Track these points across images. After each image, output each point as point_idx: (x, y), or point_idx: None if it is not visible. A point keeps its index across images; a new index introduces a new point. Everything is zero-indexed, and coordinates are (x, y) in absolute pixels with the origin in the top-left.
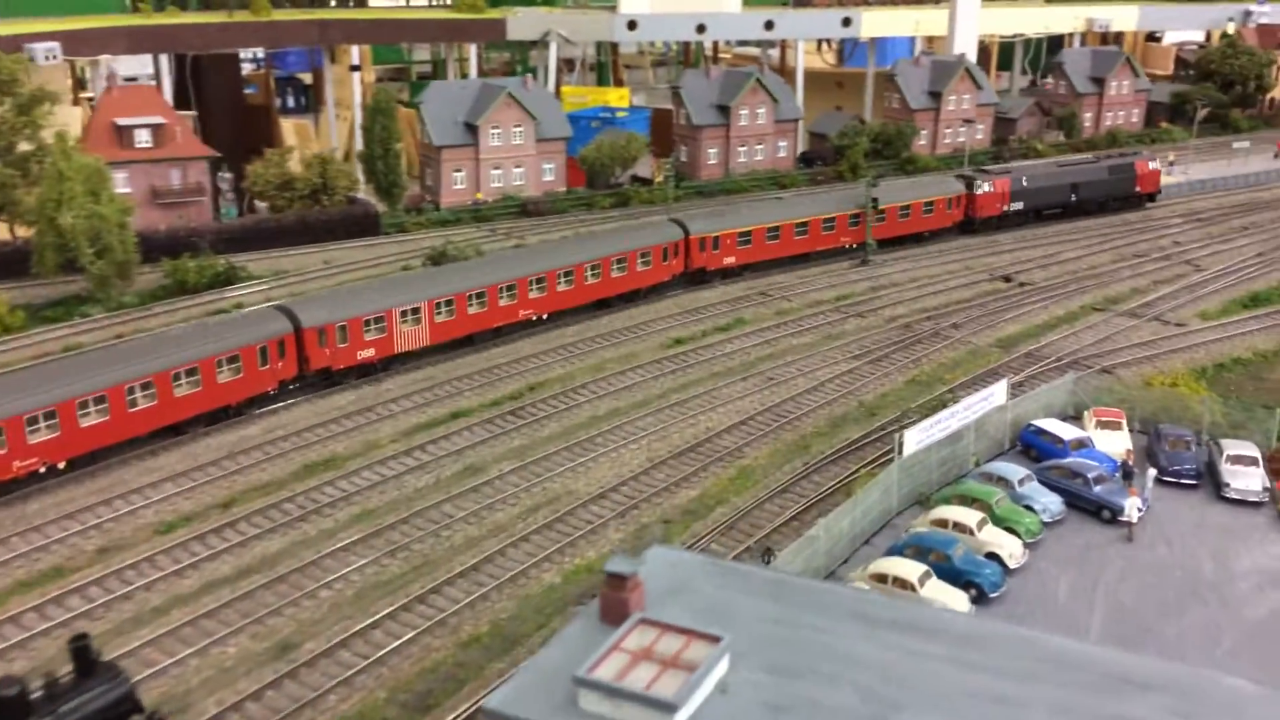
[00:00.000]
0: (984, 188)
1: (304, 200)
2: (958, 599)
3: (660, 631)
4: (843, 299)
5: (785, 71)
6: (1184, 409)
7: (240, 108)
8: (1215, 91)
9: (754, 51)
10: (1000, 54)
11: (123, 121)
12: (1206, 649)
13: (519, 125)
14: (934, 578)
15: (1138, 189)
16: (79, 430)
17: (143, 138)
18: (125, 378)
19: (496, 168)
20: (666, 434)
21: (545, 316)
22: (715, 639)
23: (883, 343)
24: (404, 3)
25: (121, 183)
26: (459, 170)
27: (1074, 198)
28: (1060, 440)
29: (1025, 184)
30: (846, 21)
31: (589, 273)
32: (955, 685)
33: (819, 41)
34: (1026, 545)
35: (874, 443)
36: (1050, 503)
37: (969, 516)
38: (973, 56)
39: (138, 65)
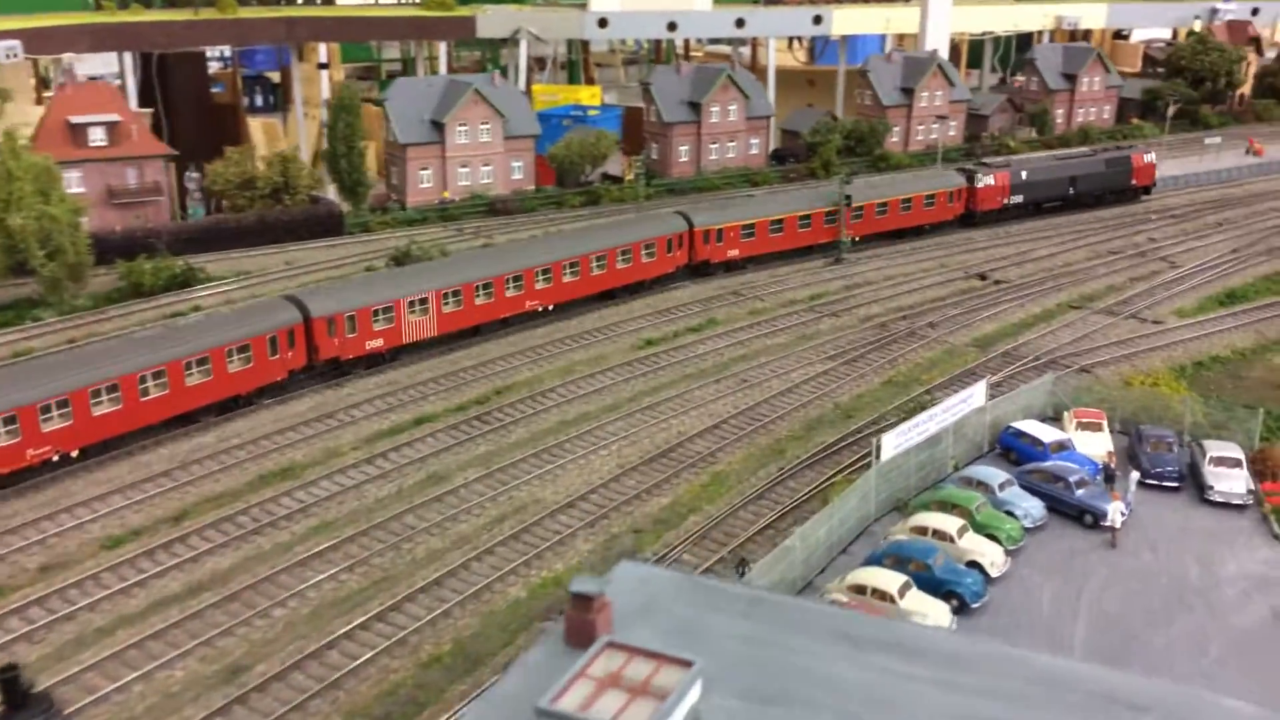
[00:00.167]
0: (985, 181)
1: (265, 200)
2: (939, 610)
3: (629, 656)
4: (817, 298)
5: (757, 69)
6: (1165, 409)
7: (207, 107)
8: (1186, 88)
9: (725, 50)
10: (970, 52)
11: (76, 119)
12: (1194, 659)
13: (486, 123)
14: (914, 588)
15: (1133, 182)
16: (92, 419)
17: (97, 136)
18: (137, 367)
19: (464, 166)
20: (637, 439)
21: (551, 307)
22: (687, 663)
23: (858, 343)
24: (373, 0)
25: (75, 182)
26: (425, 169)
27: (1072, 191)
28: (1040, 443)
29: (1025, 177)
30: (817, 19)
31: (594, 264)
32: (941, 709)
33: (790, 39)
34: (1008, 552)
35: (850, 446)
36: (1032, 508)
37: (949, 523)
38: (944, 54)
39: (103, 64)
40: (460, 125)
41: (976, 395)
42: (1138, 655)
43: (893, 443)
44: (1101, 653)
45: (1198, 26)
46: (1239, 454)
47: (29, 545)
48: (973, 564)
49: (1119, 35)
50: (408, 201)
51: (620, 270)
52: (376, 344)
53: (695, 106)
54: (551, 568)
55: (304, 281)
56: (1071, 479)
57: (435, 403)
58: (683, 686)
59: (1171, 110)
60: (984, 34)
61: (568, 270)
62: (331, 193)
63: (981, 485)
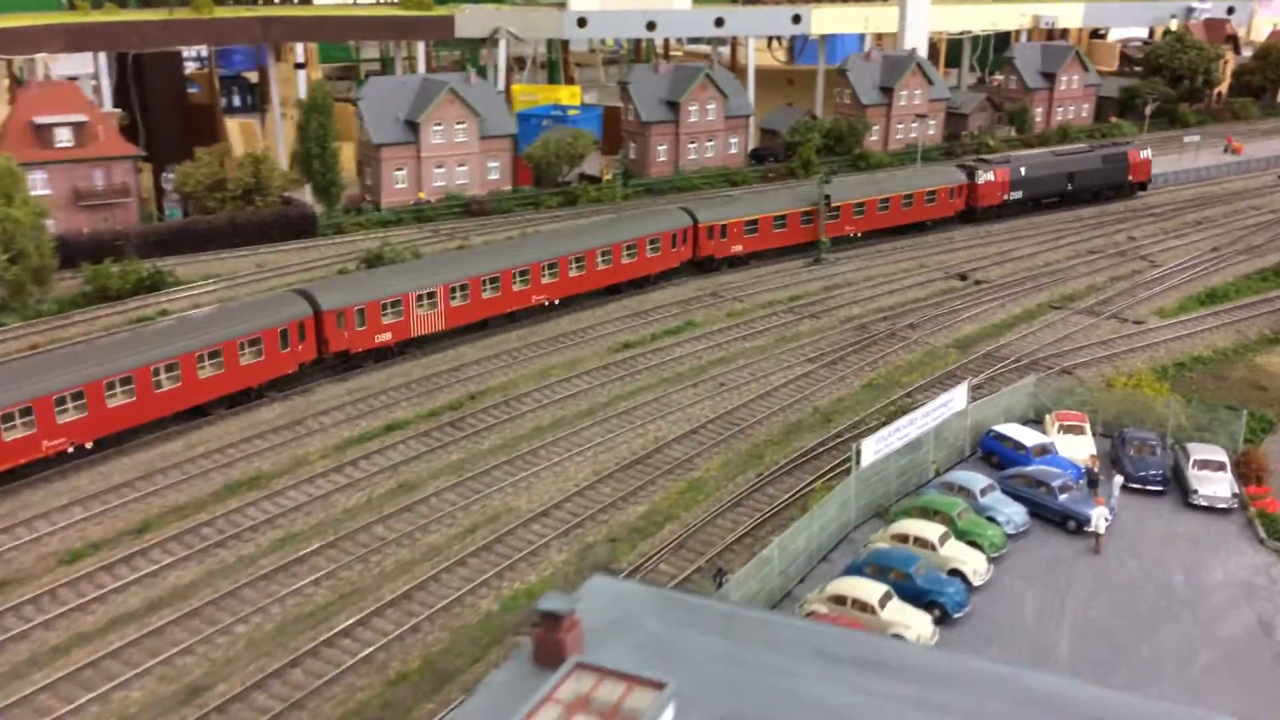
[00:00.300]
0: (985, 177)
1: (236, 201)
2: (921, 621)
3: (599, 677)
4: (796, 299)
5: (736, 69)
6: (1147, 410)
7: (184, 107)
8: (1164, 86)
9: (705, 49)
10: (949, 51)
11: (41, 120)
12: (1182, 669)
13: (462, 122)
14: (895, 599)
15: (1130, 178)
16: (106, 411)
17: (63, 137)
18: (151, 359)
19: (439, 166)
20: (613, 445)
21: (558, 301)
22: (660, 685)
23: (838, 345)
24: (351, 0)
25: (41, 184)
26: (400, 169)
27: (1070, 186)
28: (1022, 446)
29: (1024, 174)
30: (796, 18)
31: (600, 259)
32: None
33: (769, 39)
34: (990, 560)
35: (830, 451)
36: (1014, 514)
37: (930, 531)
38: (923, 53)
39: (79, 65)
40: (435, 125)
41: (957, 399)
42: (1124, 666)
43: (873, 448)
44: (1087, 664)
45: (1174, 25)
46: (1223, 457)
47: None
48: (955, 572)
49: (1096, 34)
50: (382, 202)
51: (625, 265)
52: (385, 337)
53: (673, 106)
54: (524, 579)
55: (275, 285)
56: (1054, 484)
57: (407, 409)
58: (655, 710)
59: (1150, 109)
60: (962, 33)
61: (573, 265)
62: (306, 194)
63: (963, 491)
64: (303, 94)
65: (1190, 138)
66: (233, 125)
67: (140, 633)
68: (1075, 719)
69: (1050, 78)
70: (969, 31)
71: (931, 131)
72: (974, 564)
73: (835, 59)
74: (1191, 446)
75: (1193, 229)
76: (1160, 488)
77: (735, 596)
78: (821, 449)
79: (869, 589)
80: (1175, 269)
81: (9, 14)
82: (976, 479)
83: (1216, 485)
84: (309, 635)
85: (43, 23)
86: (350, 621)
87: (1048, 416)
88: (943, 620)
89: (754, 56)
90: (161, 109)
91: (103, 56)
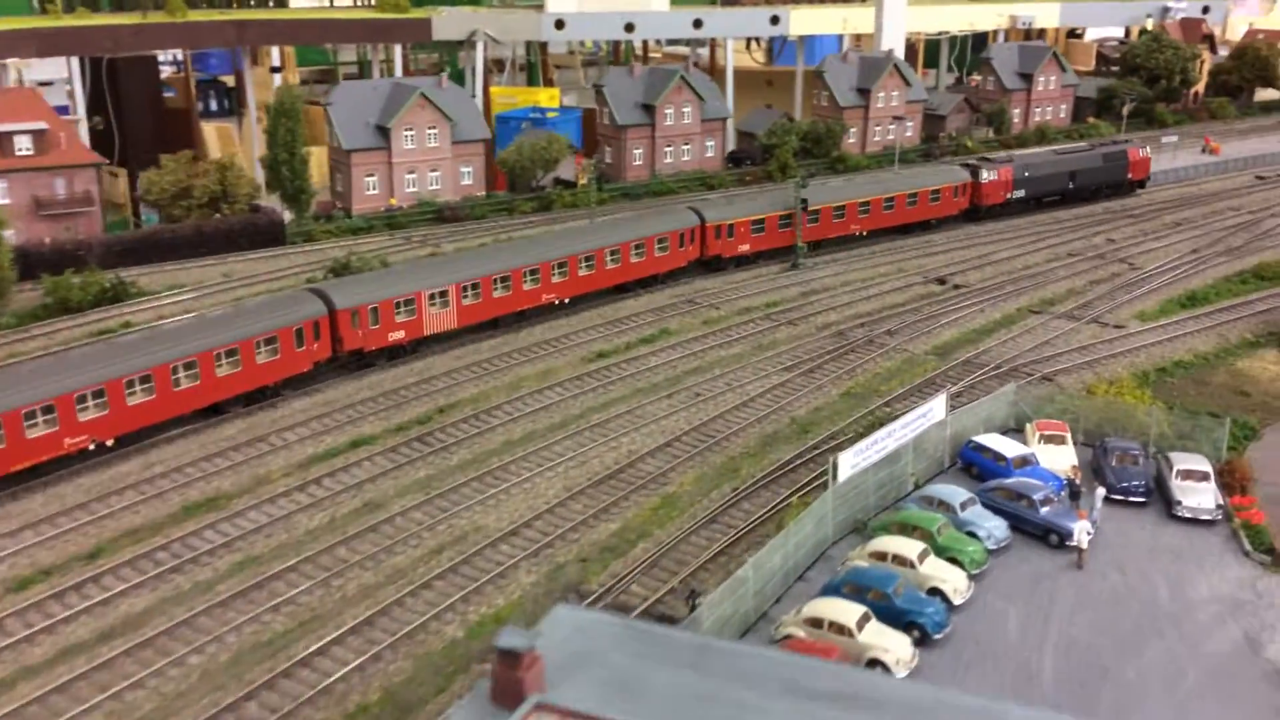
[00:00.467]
0: (989, 176)
1: (203, 209)
2: (900, 644)
3: (561, 718)
4: (773, 305)
5: (715, 71)
6: (1129, 418)
7: (159, 111)
8: (1141, 86)
9: (684, 51)
10: (926, 52)
11: (0, 128)
12: (1169, 690)
13: (434, 127)
14: (873, 620)
15: (1129, 176)
16: (126, 408)
17: (23, 145)
18: (170, 358)
19: (411, 172)
20: (585, 459)
21: (567, 300)
22: None
23: (815, 352)
24: (328, 3)
25: (0, 193)
26: (371, 175)
27: (1071, 185)
28: (1003, 457)
29: (1027, 172)
30: (774, 20)
31: (609, 258)
32: None
33: (748, 40)
34: (971, 577)
35: (807, 463)
36: (995, 528)
37: (909, 548)
38: (900, 54)
39: (53, 69)
40: (407, 130)
41: (936, 409)
42: (1110, 688)
43: (850, 462)
44: (1072, 685)
45: (1150, 25)
46: (1206, 467)
47: None
48: (935, 591)
49: (1072, 34)
50: (353, 209)
51: (634, 264)
52: (398, 336)
53: (649, 109)
54: (492, 603)
55: (241, 294)
56: (1035, 497)
57: (373, 423)
58: None
59: (1127, 109)
60: (940, 34)
61: (583, 264)
62: (276, 201)
63: (942, 505)
64: None
65: (1168, 138)
66: (209, 130)
67: (89, 665)
68: None
69: (1028, 78)
70: (946, 32)
71: (909, 133)
72: (954, 582)
73: (814, 60)
74: (1174, 456)
75: (1172, 230)
76: (1143, 499)
77: (709, 619)
78: (798, 461)
79: (846, 611)
80: (1155, 271)
81: None
82: (956, 492)
83: (1200, 496)
84: (265, 666)
85: (13, 27)
86: (309, 651)
87: (1028, 426)
88: (922, 641)
89: (732, 58)
90: (136, 114)
91: (76, 61)
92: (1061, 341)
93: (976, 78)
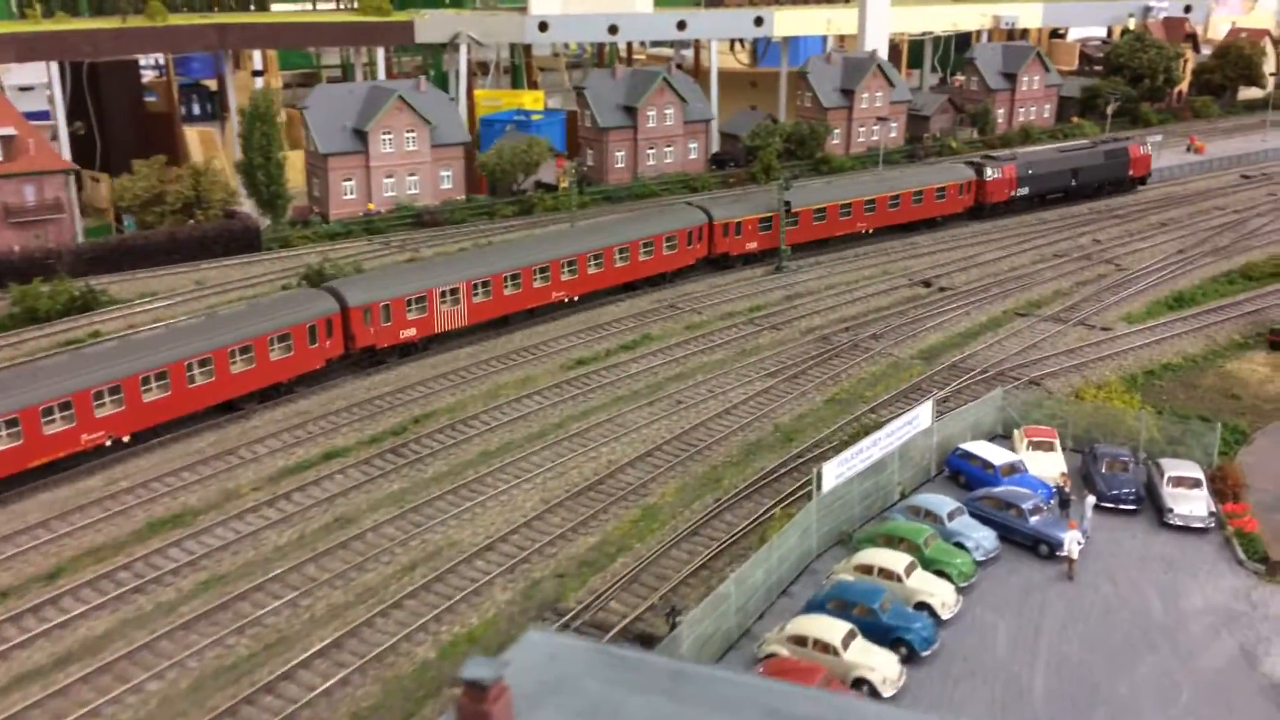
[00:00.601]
0: (993, 174)
1: (176, 215)
2: (886, 662)
3: None
4: (756, 310)
5: (700, 73)
6: (1118, 423)
7: (141, 116)
8: (1125, 85)
9: (668, 53)
10: (910, 52)
11: None
12: (1163, 708)
13: (412, 130)
14: (859, 637)
15: (1130, 173)
16: (142, 405)
17: None
18: (185, 354)
19: (389, 176)
20: (564, 470)
21: (577, 298)
22: None
23: (799, 357)
24: (310, 6)
25: None
26: (348, 180)
27: (1074, 182)
28: (990, 465)
29: (1030, 170)
30: (759, 21)
31: (618, 256)
32: None
33: (732, 42)
34: (959, 590)
35: (791, 472)
36: (983, 539)
37: (896, 561)
38: (884, 54)
39: (34, 74)
40: (384, 134)
41: (922, 416)
42: (1103, 706)
43: (834, 472)
44: (1064, 703)
45: (1132, 24)
46: (1198, 473)
47: None
48: (922, 605)
49: (1055, 34)
50: (330, 214)
51: (642, 263)
52: (410, 333)
53: (631, 111)
54: (465, 622)
55: (214, 303)
56: (1025, 506)
57: (347, 434)
58: None
59: (1112, 108)
60: (923, 34)
61: (592, 262)
62: (251, 206)
63: (929, 515)
64: None
65: (1153, 138)
66: (191, 134)
67: (44, 693)
68: None
69: (1011, 78)
70: (930, 32)
71: (893, 134)
72: (942, 596)
73: (798, 61)
74: (1165, 462)
75: (1158, 230)
76: (1134, 506)
77: (690, 638)
78: (782, 470)
79: (831, 628)
80: (1141, 272)
81: None
82: (943, 502)
83: (1192, 503)
84: (228, 692)
85: None
86: (273, 675)
87: (1016, 432)
88: (910, 659)
89: (717, 59)
90: (118, 119)
91: (55, 66)
92: (1048, 344)
93: (960, 78)
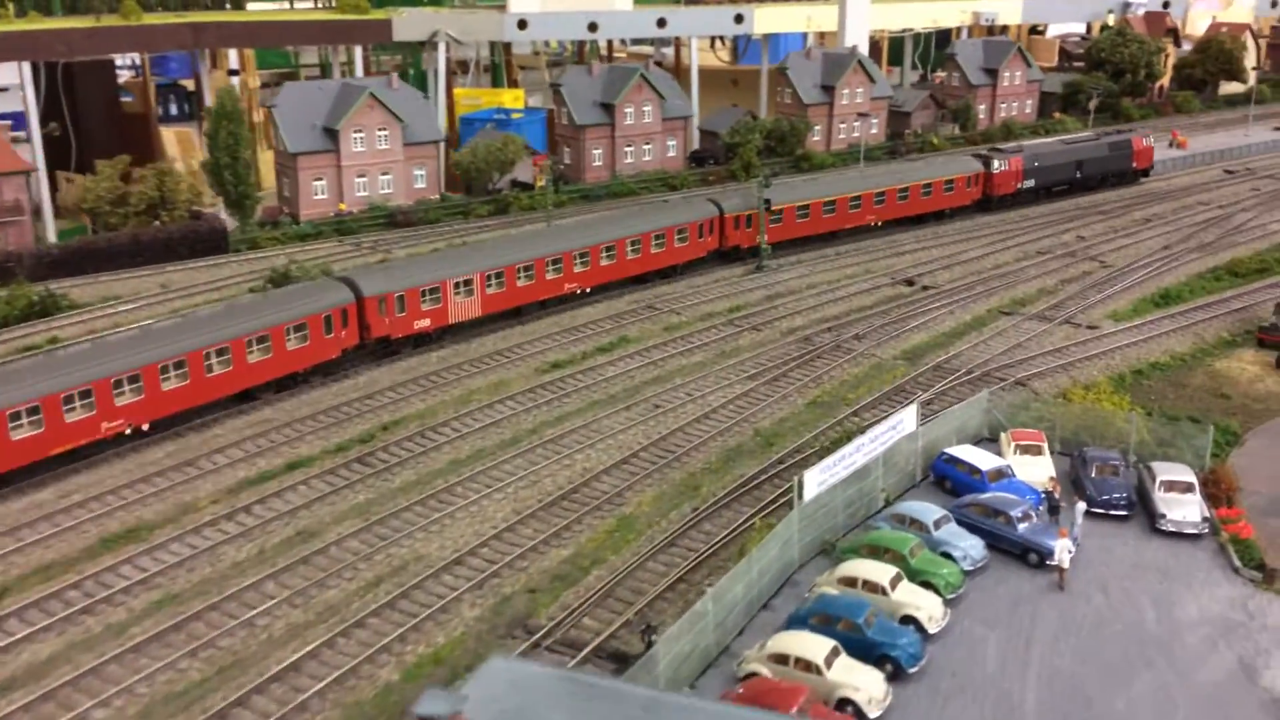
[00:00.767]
0: (1000, 166)
1: (140, 216)
2: (872, 680)
3: None
4: (736, 310)
5: (680, 70)
6: (1106, 425)
7: (117, 116)
8: (1107, 80)
9: (648, 51)
10: (890, 49)
11: None
12: None
13: (384, 129)
14: (843, 655)
15: (1134, 165)
16: (161, 394)
17: None
18: (203, 344)
19: (361, 175)
20: (537, 478)
21: (589, 290)
22: None
23: (780, 359)
24: (288, 4)
25: None
26: (319, 179)
27: (1079, 174)
28: (977, 470)
29: (1036, 162)
30: (739, 18)
31: (630, 248)
32: None
33: (713, 39)
34: (947, 602)
35: (772, 479)
36: (970, 547)
37: (881, 573)
38: (864, 51)
39: (7, 74)
40: (356, 132)
41: (907, 420)
42: None
43: (816, 479)
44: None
45: (1111, 20)
46: (1190, 477)
47: None
48: (909, 619)
49: (1034, 31)
50: (300, 215)
51: (654, 255)
52: (424, 324)
53: (608, 108)
54: (431, 641)
55: (179, 306)
56: (1013, 513)
57: (312, 443)
58: None
59: (1094, 103)
60: (903, 31)
61: (604, 254)
62: (219, 207)
63: (915, 523)
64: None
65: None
66: (168, 134)
67: None
68: None
69: (993, 74)
70: (910, 29)
71: (874, 130)
72: (929, 609)
73: (778, 59)
74: (1157, 466)
75: (1142, 226)
76: (1125, 512)
77: (666, 657)
78: (762, 477)
79: (813, 645)
80: (1127, 269)
81: None
82: (929, 510)
83: (1185, 508)
84: None
85: None
86: (226, 701)
87: (1003, 435)
88: (896, 676)
89: (697, 57)
90: (93, 119)
91: (28, 66)
92: (1034, 344)
93: (941, 75)
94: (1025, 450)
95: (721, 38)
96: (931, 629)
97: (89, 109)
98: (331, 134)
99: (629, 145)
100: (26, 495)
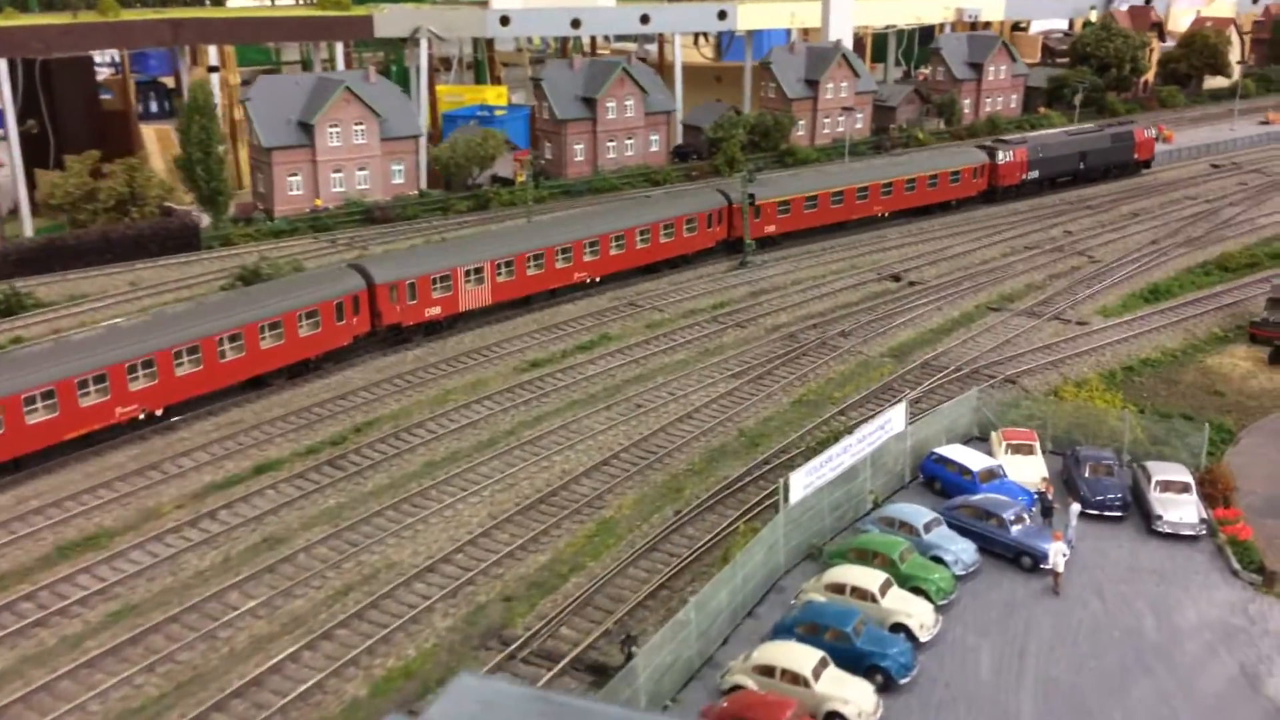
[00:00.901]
0: (1005, 157)
1: (110, 213)
2: (861, 693)
3: None
4: (720, 307)
5: (664, 67)
6: (1099, 424)
7: (96, 114)
8: (1092, 75)
9: (632, 47)
10: (874, 46)
11: None
12: None
13: (361, 123)
14: (831, 666)
15: (1136, 156)
16: (175, 379)
17: None
18: (217, 329)
19: (337, 171)
20: (514, 481)
21: (599, 279)
22: None
23: (765, 357)
24: (269, 0)
25: None
26: (294, 174)
27: (1082, 165)
28: (968, 471)
29: (1040, 154)
30: (722, 15)
31: (639, 238)
32: None
33: (696, 35)
34: (938, 609)
35: (757, 480)
36: (962, 551)
37: (869, 579)
38: (848, 46)
39: None
40: (331, 126)
41: (895, 420)
42: None
43: (802, 481)
44: None
45: (1093, 16)
46: (1187, 477)
47: None
48: (898, 627)
49: (1017, 27)
50: (275, 211)
51: (663, 244)
52: (435, 311)
53: (590, 103)
54: (402, 654)
55: (148, 304)
56: (1005, 515)
57: (281, 445)
58: None
59: (1079, 98)
60: (887, 27)
61: (613, 243)
62: (190, 203)
63: (904, 526)
64: (219, 98)
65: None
66: (149, 132)
67: None
68: None
69: (978, 68)
70: (893, 26)
71: (859, 125)
72: (920, 616)
73: (762, 54)
74: (1152, 465)
75: (1130, 221)
76: (1120, 513)
77: (647, 669)
78: (747, 478)
79: (800, 656)
80: (1115, 264)
81: None
82: (919, 512)
83: (1182, 509)
84: None
85: None
86: (184, 718)
87: (994, 434)
88: (887, 687)
89: (681, 53)
90: (72, 116)
91: (4, 63)
92: (1023, 340)
93: (924, 71)
94: (1017, 450)
95: (705, 34)
96: (923, 637)
97: (68, 106)
98: (307, 128)
99: (611, 140)
100: None
